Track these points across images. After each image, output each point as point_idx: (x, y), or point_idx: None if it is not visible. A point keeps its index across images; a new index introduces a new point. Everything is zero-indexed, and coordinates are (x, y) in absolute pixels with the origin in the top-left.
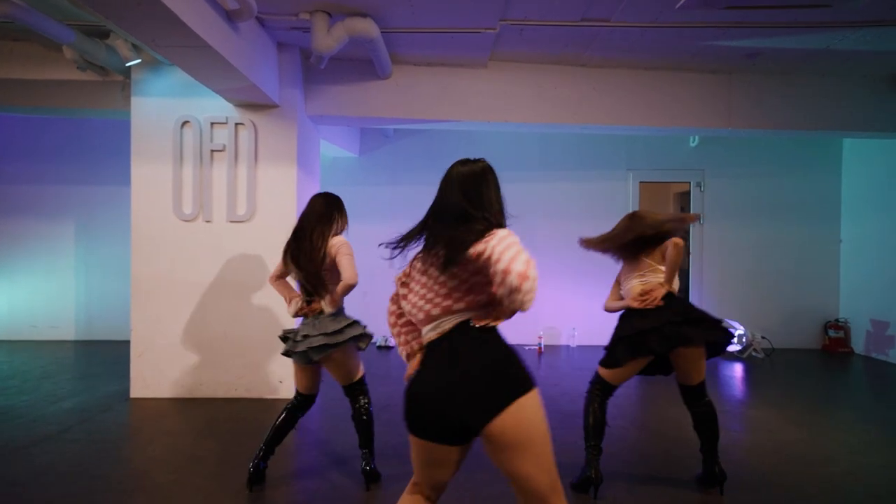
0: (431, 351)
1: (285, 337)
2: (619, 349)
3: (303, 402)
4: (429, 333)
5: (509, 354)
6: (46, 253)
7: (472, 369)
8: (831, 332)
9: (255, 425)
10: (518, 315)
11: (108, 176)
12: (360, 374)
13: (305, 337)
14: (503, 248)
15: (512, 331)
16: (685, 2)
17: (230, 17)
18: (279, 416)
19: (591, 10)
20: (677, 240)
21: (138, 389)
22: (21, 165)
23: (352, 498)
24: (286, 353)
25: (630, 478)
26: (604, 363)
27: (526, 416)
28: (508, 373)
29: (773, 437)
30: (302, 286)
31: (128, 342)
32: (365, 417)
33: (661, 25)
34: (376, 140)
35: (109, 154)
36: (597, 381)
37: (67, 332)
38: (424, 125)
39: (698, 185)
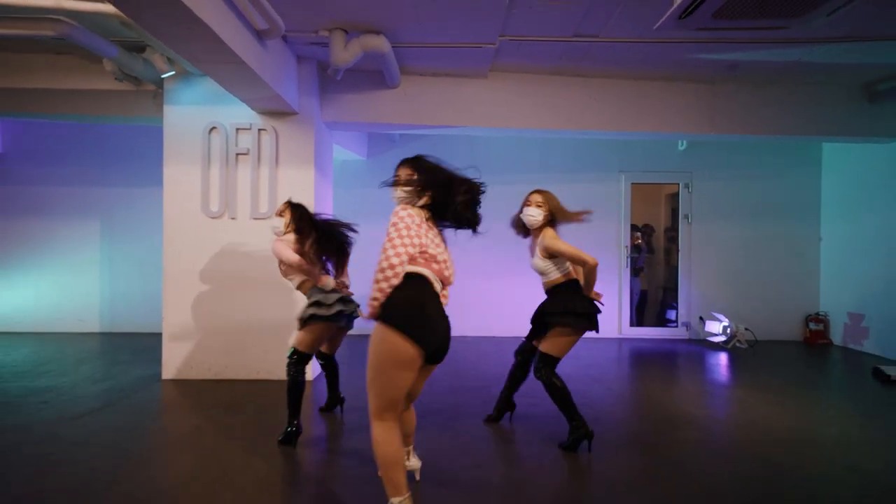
0: (434, 293)
1: (319, 303)
2: (585, 320)
3: (331, 361)
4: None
5: None
6: (72, 250)
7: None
8: (812, 325)
9: (277, 403)
10: (517, 309)
11: (128, 178)
12: None
13: (350, 303)
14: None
15: (511, 324)
16: (662, 23)
17: (260, 35)
18: (299, 381)
19: (582, 26)
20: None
21: (169, 372)
22: (47, 168)
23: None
24: (327, 318)
25: (617, 443)
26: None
27: None
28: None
29: (748, 413)
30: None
31: (149, 334)
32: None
33: (646, 41)
34: (383, 144)
35: (130, 158)
36: (548, 362)
37: (92, 325)
38: (429, 130)
39: (686, 186)
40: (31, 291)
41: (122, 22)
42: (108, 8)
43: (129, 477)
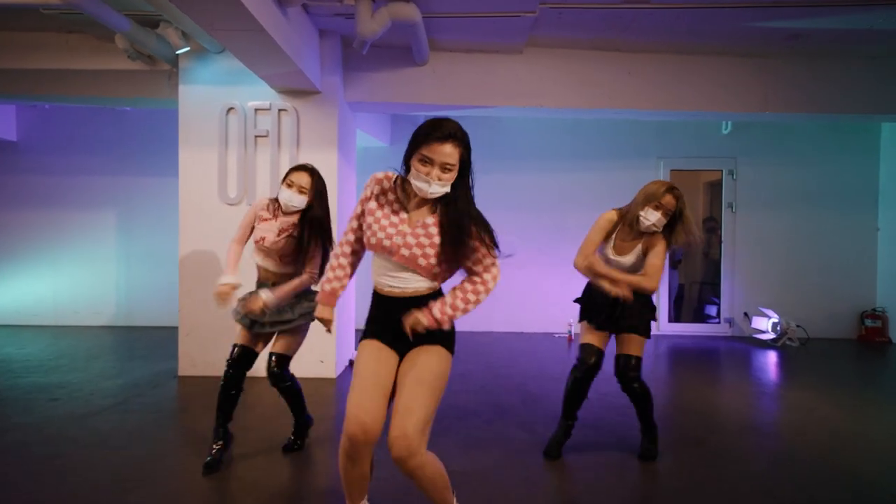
0: None
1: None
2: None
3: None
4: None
5: None
6: (88, 242)
7: None
8: (868, 322)
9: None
10: (548, 304)
11: (145, 168)
12: None
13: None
14: None
15: (543, 319)
16: None
17: (281, 1)
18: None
19: None
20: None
21: (186, 368)
22: (62, 157)
23: None
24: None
25: (667, 446)
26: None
27: None
28: None
29: (807, 416)
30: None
31: (165, 328)
32: None
33: (699, 6)
34: (407, 129)
35: (147, 147)
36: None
37: (108, 318)
38: (459, 112)
39: (731, 173)
40: (49, 284)
41: None
42: None
43: (140, 484)
